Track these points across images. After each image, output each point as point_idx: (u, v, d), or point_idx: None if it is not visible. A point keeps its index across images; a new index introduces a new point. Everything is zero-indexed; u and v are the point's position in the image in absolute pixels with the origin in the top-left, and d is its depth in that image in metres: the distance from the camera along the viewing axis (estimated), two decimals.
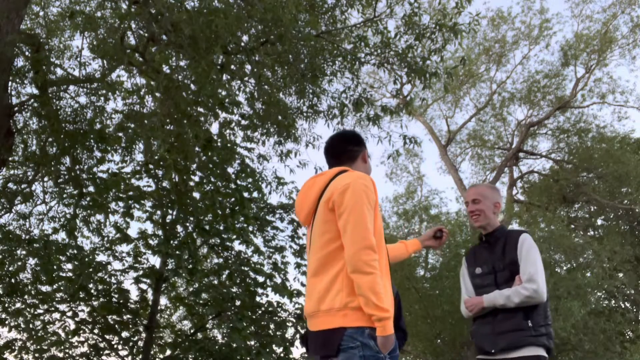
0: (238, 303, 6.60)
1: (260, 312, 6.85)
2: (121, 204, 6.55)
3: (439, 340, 14.10)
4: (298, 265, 7.34)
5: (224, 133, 6.72)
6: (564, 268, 15.09)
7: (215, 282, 6.85)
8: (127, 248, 6.86)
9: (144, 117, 5.98)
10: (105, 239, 7.22)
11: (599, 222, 17.88)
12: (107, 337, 6.58)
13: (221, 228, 6.72)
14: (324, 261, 2.10)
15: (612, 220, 17.57)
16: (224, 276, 6.92)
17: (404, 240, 2.96)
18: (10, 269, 6.33)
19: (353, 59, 6.59)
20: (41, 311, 6.46)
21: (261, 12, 5.46)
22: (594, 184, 17.18)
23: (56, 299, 6.44)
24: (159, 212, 6.80)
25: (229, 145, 6.60)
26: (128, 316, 6.64)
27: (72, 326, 6.54)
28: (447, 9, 6.69)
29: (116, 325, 6.56)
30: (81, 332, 6.54)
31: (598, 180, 17.10)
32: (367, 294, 1.94)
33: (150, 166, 6.63)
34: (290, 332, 6.88)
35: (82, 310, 6.53)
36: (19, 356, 6.43)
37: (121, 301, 6.58)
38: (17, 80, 7.08)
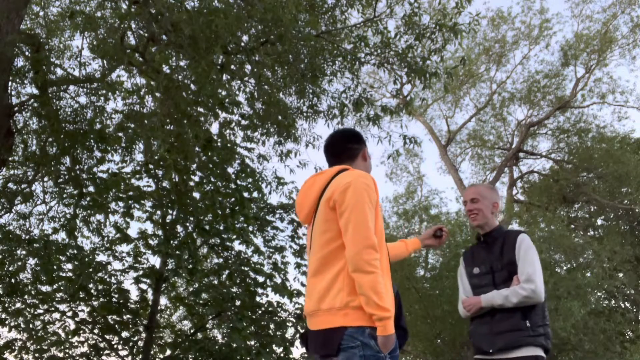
0: (238, 303, 6.60)
1: (260, 312, 6.85)
2: (121, 204, 6.55)
3: (439, 340, 14.09)
4: (298, 265, 7.34)
5: (224, 133, 6.72)
6: (564, 268, 15.09)
7: (215, 282, 6.85)
8: (127, 248, 6.87)
9: (144, 117, 5.98)
10: (105, 239, 7.23)
11: (599, 222, 17.88)
12: (107, 337, 6.58)
13: (221, 228, 6.72)
14: (324, 260, 2.10)
15: (612, 220, 17.57)
16: (224, 276, 6.92)
17: (404, 239, 2.96)
18: (10, 269, 6.33)
19: (353, 59, 6.59)
20: (41, 311, 6.46)
21: (261, 12, 5.46)
22: (594, 184, 17.18)
23: (56, 299, 6.44)
24: (159, 212, 6.80)
25: (229, 145, 6.60)
26: (128, 316, 6.64)
27: (72, 326, 6.55)
28: (447, 9, 6.69)
29: (116, 325, 6.56)
30: (81, 332, 6.54)
31: (598, 180, 17.10)
32: (368, 294, 1.94)
33: (150, 166, 6.63)
34: (290, 332, 6.89)
35: (82, 310, 6.54)
36: (19, 356, 6.43)
37: (121, 301, 6.58)
38: (17, 80, 7.08)
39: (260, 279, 6.89)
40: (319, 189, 2.21)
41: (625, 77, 44.79)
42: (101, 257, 6.78)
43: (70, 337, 6.51)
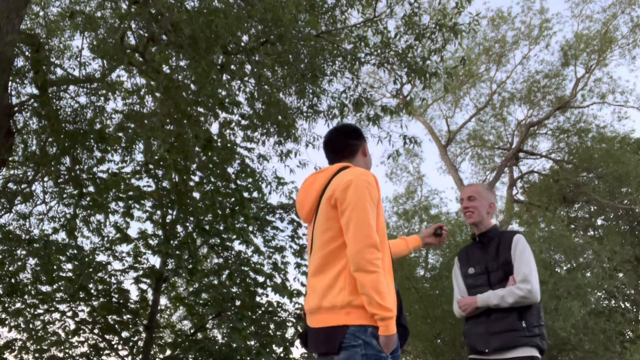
0: (238, 303, 6.60)
1: (260, 312, 6.85)
2: (121, 204, 6.55)
3: (439, 340, 14.09)
4: (298, 265, 7.34)
5: (224, 133, 6.72)
6: (564, 268, 15.08)
7: (215, 282, 6.85)
8: (127, 248, 6.86)
9: (144, 117, 5.97)
10: (105, 239, 7.22)
11: (599, 222, 17.87)
12: (107, 337, 6.58)
13: (221, 228, 6.72)
14: (326, 259, 2.08)
15: (612, 220, 17.57)
16: (224, 276, 6.91)
17: (405, 236, 2.96)
18: (10, 269, 6.33)
19: (353, 59, 6.59)
20: (41, 311, 6.46)
21: (261, 12, 5.46)
22: (594, 184, 17.18)
23: (56, 299, 6.43)
24: (159, 212, 6.79)
25: (229, 145, 6.60)
26: (128, 316, 6.63)
27: (72, 326, 6.55)
28: (447, 9, 6.69)
29: (116, 325, 6.56)
30: (81, 332, 6.53)
31: (598, 180, 17.10)
32: (370, 293, 1.93)
33: (150, 166, 6.63)
34: (290, 332, 6.88)
35: (82, 310, 6.53)
36: (19, 356, 6.42)
37: (121, 301, 6.58)
38: (17, 80, 7.08)
39: (260, 279, 6.89)
40: (320, 186, 2.20)
41: (625, 77, 44.82)
42: (101, 257, 6.78)
43: (70, 337, 6.51)
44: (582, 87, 17.35)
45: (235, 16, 5.39)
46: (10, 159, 7.12)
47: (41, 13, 8.73)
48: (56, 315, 6.55)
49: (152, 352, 6.62)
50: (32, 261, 6.42)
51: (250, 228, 7.08)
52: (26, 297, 6.38)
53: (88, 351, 6.54)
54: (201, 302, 6.77)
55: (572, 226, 17.01)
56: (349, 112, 6.96)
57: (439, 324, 13.36)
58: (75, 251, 6.40)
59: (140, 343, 6.58)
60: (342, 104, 6.91)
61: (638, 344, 13.27)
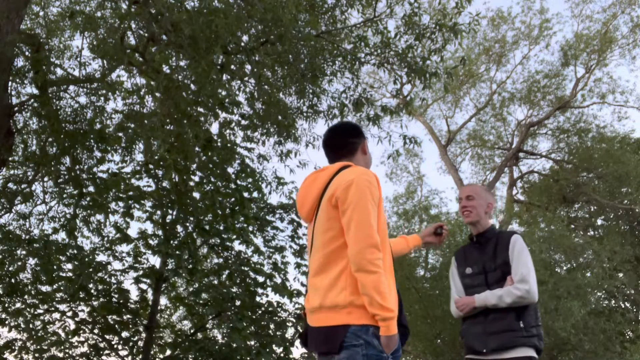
0: (238, 303, 6.60)
1: (260, 312, 6.85)
2: (121, 204, 6.55)
3: (439, 340, 14.08)
4: (298, 265, 7.34)
5: (224, 133, 6.72)
6: (564, 268, 15.08)
7: (215, 282, 6.85)
8: (127, 248, 6.86)
9: (144, 117, 5.97)
10: (105, 239, 7.22)
11: (599, 222, 17.87)
12: (107, 337, 6.58)
13: (221, 228, 6.72)
14: (327, 259, 2.07)
15: (612, 220, 17.56)
16: (224, 276, 6.91)
17: (405, 235, 2.96)
18: (10, 269, 6.33)
19: (353, 59, 6.59)
20: (41, 311, 6.46)
21: (261, 12, 5.46)
22: (594, 184, 17.18)
23: (56, 299, 6.43)
24: (159, 212, 6.79)
25: (229, 145, 6.60)
26: (128, 316, 6.63)
27: (72, 326, 6.55)
28: (447, 9, 6.69)
29: (116, 325, 6.56)
30: (81, 332, 6.53)
31: (598, 180, 17.10)
32: (371, 293, 1.92)
33: (150, 166, 6.63)
34: (290, 332, 6.88)
35: (82, 310, 6.53)
36: (19, 356, 6.42)
37: (121, 301, 6.58)
38: (17, 80, 7.08)
39: (260, 279, 6.89)
40: (321, 185, 2.18)
41: (625, 77, 44.81)
42: (101, 257, 6.78)
43: (70, 337, 6.51)
44: (582, 87, 17.36)
45: (235, 16, 5.39)
46: (10, 159, 7.12)
47: (41, 13, 8.73)
48: (56, 315, 6.56)
49: (152, 352, 6.62)
50: (32, 261, 6.42)
51: (250, 228, 7.08)
52: (26, 297, 6.38)
53: (88, 351, 6.54)
54: (201, 302, 6.77)
55: (572, 226, 17.01)
56: (349, 112, 6.96)
57: (439, 324, 13.36)
58: (75, 251, 6.40)
59: (140, 343, 6.58)
60: (342, 104, 6.91)
61: (638, 344, 13.27)
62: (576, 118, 17.79)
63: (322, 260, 2.09)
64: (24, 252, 6.43)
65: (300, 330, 6.93)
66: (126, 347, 6.56)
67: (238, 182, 6.79)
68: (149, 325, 6.53)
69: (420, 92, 10.04)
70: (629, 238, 16.13)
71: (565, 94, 17.54)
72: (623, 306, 16.44)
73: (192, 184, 6.64)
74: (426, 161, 48.82)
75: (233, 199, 6.67)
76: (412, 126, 32.38)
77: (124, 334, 6.61)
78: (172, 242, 6.51)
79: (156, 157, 6.27)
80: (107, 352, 6.59)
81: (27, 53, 6.82)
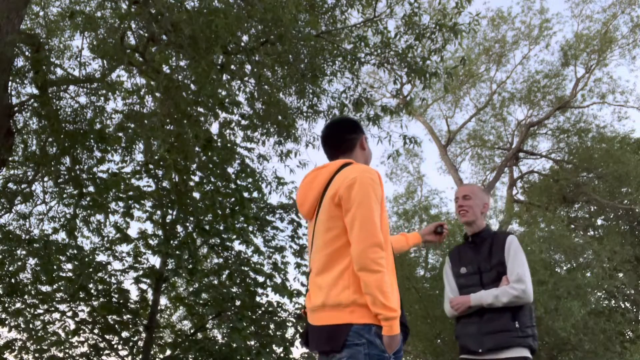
0: (238, 303, 6.60)
1: (260, 312, 6.85)
2: (121, 204, 6.55)
3: (439, 340, 14.08)
4: (298, 265, 7.34)
5: (224, 133, 6.72)
6: (564, 268, 15.08)
7: (215, 282, 6.85)
8: (127, 248, 6.86)
9: (144, 117, 5.97)
10: (105, 239, 7.22)
11: (599, 222, 17.87)
12: (107, 337, 6.58)
13: (221, 228, 6.71)
14: (329, 258, 2.06)
15: (612, 220, 17.56)
16: (224, 276, 6.91)
17: (405, 232, 2.96)
18: (10, 269, 6.33)
19: (353, 59, 6.59)
20: (41, 311, 6.46)
21: (261, 12, 5.46)
22: (594, 184, 17.18)
23: (56, 299, 6.43)
24: (159, 212, 6.79)
25: (229, 145, 6.59)
26: (128, 316, 6.63)
27: (72, 326, 6.55)
28: (447, 9, 6.69)
29: (116, 325, 6.56)
30: (81, 332, 6.53)
31: (598, 180, 17.09)
32: (374, 293, 1.91)
33: (150, 166, 6.63)
34: (290, 332, 6.88)
35: (82, 310, 6.53)
36: (19, 356, 6.42)
37: (121, 301, 6.58)
38: (17, 80, 7.08)
39: (260, 279, 6.89)
40: (322, 183, 2.17)
41: (625, 77, 44.80)
42: (101, 257, 6.78)
43: (70, 337, 6.51)
44: (582, 87, 17.36)
45: (235, 16, 5.39)
46: (10, 159, 7.12)
47: (41, 13, 8.73)
48: (56, 315, 6.55)
49: (152, 352, 6.62)
50: (32, 261, 6.42)
51: (250, 228, 7.08)
52: (26, 297, 6.38)
53: (88, 351, 6.54)
54: (201, 302, 6.77)
55: (572, 226, 17.00)
56: (349, 112, 6.96)
57: (439, 324, 13.36)
58: (75, 251, 6.40)
59: (140, 343, 6.58)
60: (342, 104, 6.91)
61: (638, 344, 13.27)
62: (576, 118, 17.81)
63: (325, 259, 2.08)
64: (24, 252, 6.43)
65: (301, 330, 6.93)
66: (126, 347, 6.56)
67: (238, 182, 6.79)
68: (149, 325, 6.53)
69: (420, 92, 10.04)
70: (629, 238, 16.13)
71: (565, 94, 17.55)
72: (623, 306, 16.44)
73: (192, 184, 6.64)
74: (426, 161, 48.84)
75: (233, 199, 6.67)
76: (412, 126, 32.39)
77: (124, 334, 6.61)
78: (172, 242, 6.51)
79: (156, 157, 6.27)
80: (107, 352, 6.59)
81: (27, 53, 6.82)
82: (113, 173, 6.53)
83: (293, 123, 7.00)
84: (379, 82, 17.99)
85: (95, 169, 6.73)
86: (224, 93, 6.24)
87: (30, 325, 6.37)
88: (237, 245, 7.13)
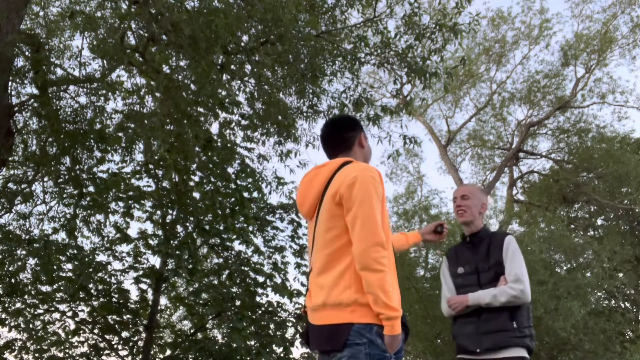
0: (238, 303, 6.60)
1: (260, 312, 6.85)
2: (121, 204, 6.54)
3: (439, 340, 14.08)
4: (298, 265, 7.34)
5: (224, 133, 6.72)
6: (564, 268, 15.08)
7: (215, 282, 6.85)
8: (127, 248, 6.86)
9: (144, 117, 5.97)
10: (105, 239, 7.22)
11: (599, 222, 17.88)
12: (107, 337, 6.58)
13: (221, 228, 6.71)
14: (331, 258, 2.05)
15: (612, 220, 17.57)
16: (224, 276, 6.91)
17: (405, 231, 2.96)
18: (10, 269, 6.33)
19: (353, 59, 6.59)
20: (41, 311, 6.46)
21: (261, 12, 5.46)
22: (594, 184, 17.18)
23: (56, 299, 6.43)
24: (159, 212, 6.79)
25: (229, 145, 6.59)
26: (128, 316, 6.63)
27: (72, 326, 6.54)
28: (447, 9, 6.69)
29: (116, 325, 6.56)
30: (81, 332, 6.53)
31: (598, 180, 17.10)
32: (376, 292, 1.90)
33: (150, 166, 6.62)
34: (290, 332, 6.88)
35: (82, 310, 6.53)
36: (19, 356, 6.42)
37: (121, 301, 6.58)
38: (17, 80, 7.08)
39: (260, 279, 6.89)
40: (323, 182, 2.16)
41: (625, 77, 44.81)
42: (101, 257, 6.78)
43: (70, 337, 6.51)
44: (582, 87, 17.36)
45: (235, 16, 5.39)
46: (10, 159, 7.12)
47: (41, 13, 8.73)
48: (56, 315, 6.55)
49: (152, 352, 6.62)
50: (32, 261, 6.42)
51: (250, 228, 7.08)
52: (26, 297, 6.38)
53: (88, 351, 6.54)
54: (201, 302, 6.77)
55: (572, 226, 17.01)
56: (349, 112, 6.96)
57: (439, 324, 13.36)
58: (75, 251, 6.39)
59: (140, 343, 6.58)
60: (342, 104, 6.91)
61: (638, 344, 13.27)
62: (576, 118, 17.82)
63: (326, 259, 2.07)
64: (24, 252, 6.43)
65: (301, 330, 6.93)
66: (126, 347, 6.56)
67: (238, 182, 6.79)
68: (149, 325, 6.53)
69: (420, 92, 10.04)
70: (629, 238, 16.13)
71: (565, 94, 17.55)
72: (623, 306, 16.44)
73: (192, 184, 6.64)
74: (426, 161, 48.85)
75: (233, 199, 6.67)
76: (412, 126, 32.40)
77: (124, 334, 6.61)
78: (172, 242, 6.50)
79: (156, 157, 6.27)
80: (107, 352, 6.59)
81: (27, 53, 6.82)
82: (113, 173, 6.53)
83: (293, 123, 7.00)
84: (379, 82, 18.00)
85: (95, 169, 6.72)
86: (224, 93, 6.24)
87: (30, 325, 6.37)
88: (237, 245, 7.13)
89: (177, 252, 6.36)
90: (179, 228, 6.80)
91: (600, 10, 18.57)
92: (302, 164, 7.53)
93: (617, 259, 14.28)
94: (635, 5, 16.04)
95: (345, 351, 1.93)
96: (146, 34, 5.76)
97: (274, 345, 6.59)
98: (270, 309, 6.93)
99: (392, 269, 2.05)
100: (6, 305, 6.30)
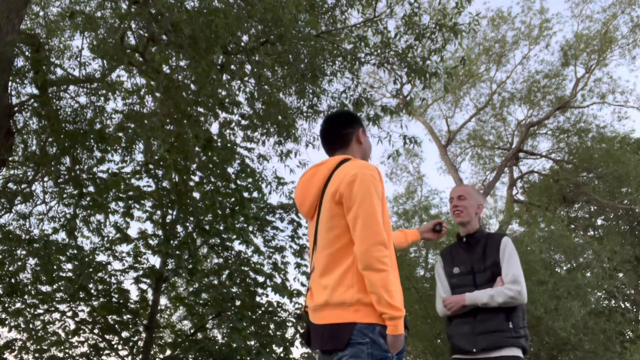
0: (238, 303, 6.60)
1: (260, 312, 6.85)
2: (121, 204, 6.54)
3: (439, 340, 14.08)
4: (298, 265, 7.34)
5: (224, 133, 6.72)
6: (564, 268, 15.08)
7: (215, 282, 6.85)
8: (127, 248, 6.86)
9: (144, 117, 5.98)
10: (105, 239, 7.22)
11: (599, 222, 17.88)
12: (107, 337, 6.58)
13: (221, 228, 6.71)
14: (333, 258, 2.04)
15: (612, 220, 17.57)
16: (224, 276, 6.91)
17: (404, 229, 2.96)
18: (10, 269, 6.33)
19: (353, 59, 6.59)
20: (41, 311, 6.46)
21: (261, 12, 5.46)
22: (594, 184, 17.19)
23: (56, 299, 6.43)
24: (159, 212, 6.79)
25: (229, 145, 6.59)
26: (128, 316, 6.63)
27: (72, 326, 6.54)
28: (447, 9, 6.69)
29: (116, 325, 6.56)
30: (81, 332, 6.53)
31: (598, 180, 17.10)
32: (379, 292, 1.89)
33: (150, 166, 6.62)
34: (290, 332, 6.88)
35: (82, 310, 6.53)
36: (19, 356, 6.42)
37: (121, 301, 6.58)
38: (17, 80, 7.08)
39: (260, 279, 6.89)
40: (322, 180, 2.14)
41: (625, 77, 44.80)
42: (101, 257, 6.78)
43: (70, 337, 6.51)
44: (582, 87, 17.37)
45: (235, 16, 5.39)
46: (10, 159, 7.12)
47: (41, 13, 8.73)
48: (56, 315, 6.55)
49: (152, 352, 6.62)
50: (32, 261, 6.42)
51: (250, 228, 7.08)
52: (26, 297, 6.38)
53: (88, 351, 6.54)
54: (201, 302, 6.77)
55: (572, 226, 17.01)
56: None
57: (439, 324, 13.35)
58: (75, 251, 6.40)
59: (140, 343, 6.58)
60: (342, 104, 6.92)
61: (638, 344, 13.27)
62: (576, 118, 17.82)
63: (327, 259, 2.05)
64: (24, 252, 6.43)
65: (301, 330, 6.93)
66: (126, 347, 6.56)
67: (238, 182, 6.79)
68: (149, 325, 6.53)
69: (420, 92, 10.04)
70: (629, 238, 16.13)
71: (565, 94, 17.55)
72: (623, 306, 16.44)
73: (192, 184, 6.64)
74: (426, 161, 48.81)
75: (233, 199, 6.67)
76: (412, 126, 32.40)
77: (124, 334, 6.61)
78: (172, 242, 6.50)
79: (156, 157, 6.27)
80: (107, 352, 6.59)
81: (27, 53, 6.82)
82: (113, 173, 6.53)
83: (293, 123, 7.00)
84: (379, 82, 18.00)
85: (95, 169, 6.73)
86: (224, 93, 6.24)
87: (30, 325, 6.37)
88: (237, 245, 7.14)
89: (177, 252, 6.36)
90: (179, 228, 6.80)
91: (600, 10, 18.59)
92: (302, 164, 7.54)
93: (617, 259, 14.28)
94: (635, 5, 16.05)
95: (347, 350, 1.92)
96: (146, 34, 5.76)
97: (274, 345, 6.59)
98: (270, 309, 6.93)
99: (394, 268, 2.04)
100: (6, 305, 6.30)
